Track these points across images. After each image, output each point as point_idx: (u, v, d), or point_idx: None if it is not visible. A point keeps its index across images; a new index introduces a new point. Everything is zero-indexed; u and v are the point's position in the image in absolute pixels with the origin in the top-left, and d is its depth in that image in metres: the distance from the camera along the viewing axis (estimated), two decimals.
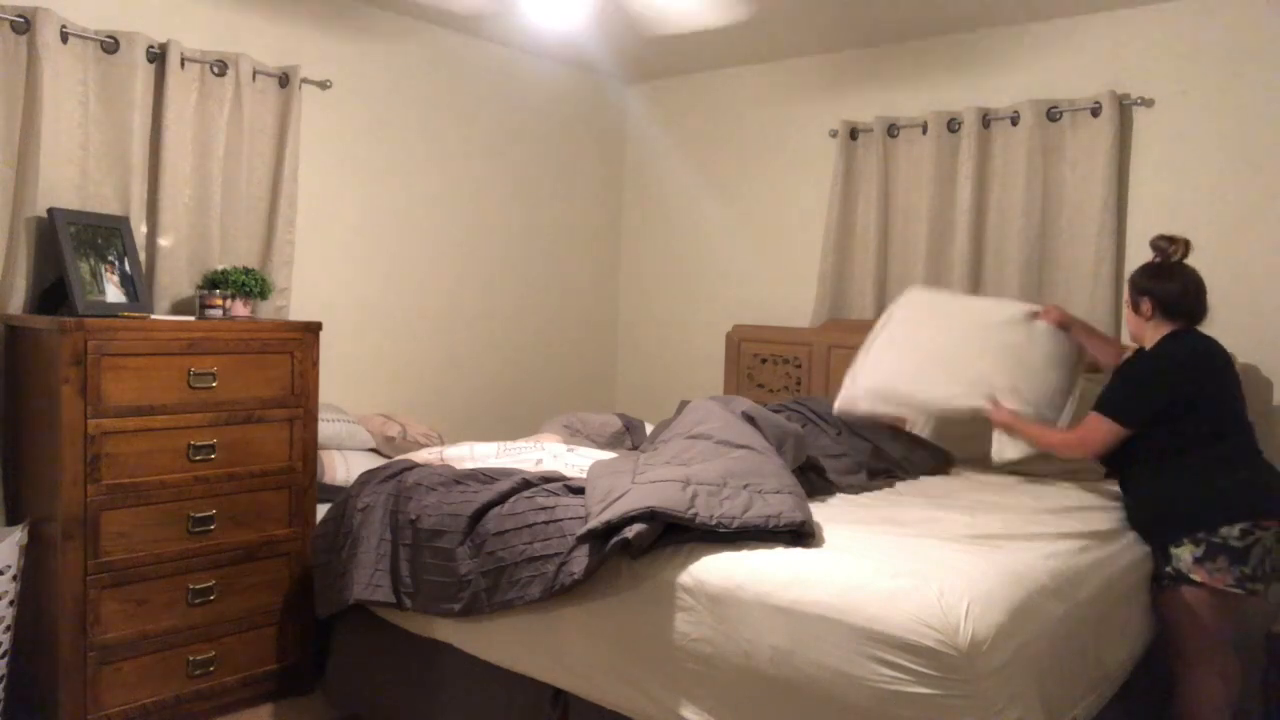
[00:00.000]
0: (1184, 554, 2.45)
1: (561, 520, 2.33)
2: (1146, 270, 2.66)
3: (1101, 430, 2.57)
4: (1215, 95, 3.29)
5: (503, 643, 2.45)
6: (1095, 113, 3.46)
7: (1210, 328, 3.26)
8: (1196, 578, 2.43)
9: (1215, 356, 2.56)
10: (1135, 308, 2.65)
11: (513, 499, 2.48)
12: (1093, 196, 3.48)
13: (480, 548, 2.44)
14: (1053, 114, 3.57)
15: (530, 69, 4.46)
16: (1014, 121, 3.64)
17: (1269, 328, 3.19)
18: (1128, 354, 2.75)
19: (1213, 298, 3.27)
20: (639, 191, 4.95)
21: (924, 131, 3.88)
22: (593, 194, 4.86)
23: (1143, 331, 2.64)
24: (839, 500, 2.77)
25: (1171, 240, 2.66)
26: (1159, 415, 2.51)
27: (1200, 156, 3.33)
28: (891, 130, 3.98)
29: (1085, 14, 3.54)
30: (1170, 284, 2.60)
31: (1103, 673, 2.26)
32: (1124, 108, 3.45)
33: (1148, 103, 3.42)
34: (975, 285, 3.76)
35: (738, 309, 4.53)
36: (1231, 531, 2.41)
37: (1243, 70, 3.24)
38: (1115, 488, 2.78)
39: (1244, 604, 2.49)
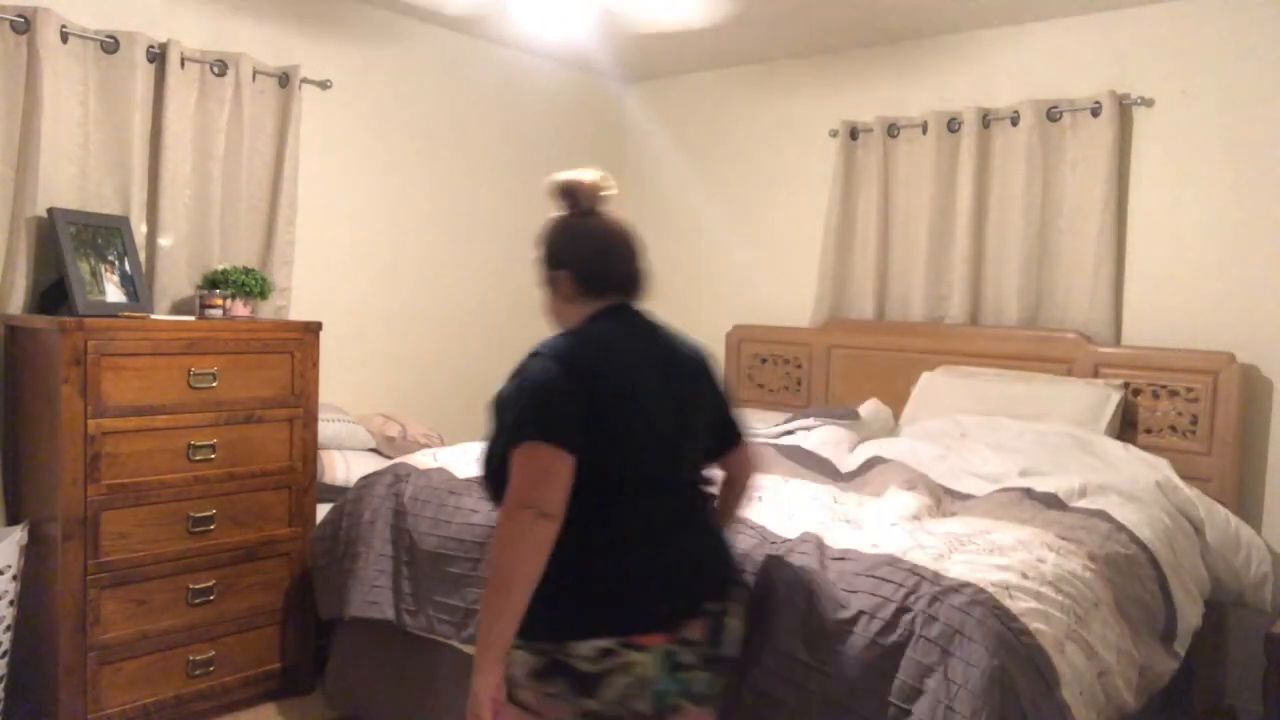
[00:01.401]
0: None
1: None
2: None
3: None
4: (1215, 95, 3.29)
5: None
6: (1095, 113, 3.46)
7: (1210, 326, 3.29)
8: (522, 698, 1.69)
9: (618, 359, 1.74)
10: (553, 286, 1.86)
11: None
12: (1093, 196, 3.48)
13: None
14: (1053, 114, 3.56)
15: (530, 69, 4.46)
16: (1014, 121, 3.64)
17: (1269, 328, 3.19)
18: None
19: (1213, 297, 3.30)
20: (639, 191, 4.95)
21: (924, 131, 3.87)
22: None
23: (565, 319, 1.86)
24: None
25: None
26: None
27: (1200, 156, 3.33)
28: (891, 130, 3.98)
29: (1085, 14, 3.53)
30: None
31: None
32: (1124, 108, 3.45)
33: (1148, 103, 3.42)
34: (975, 285, 3.76)
35: (738, 309, 4.53)
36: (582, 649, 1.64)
37: (1243, 70, 3.24)
38: None
39: None
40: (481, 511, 2.53)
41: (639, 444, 1.72)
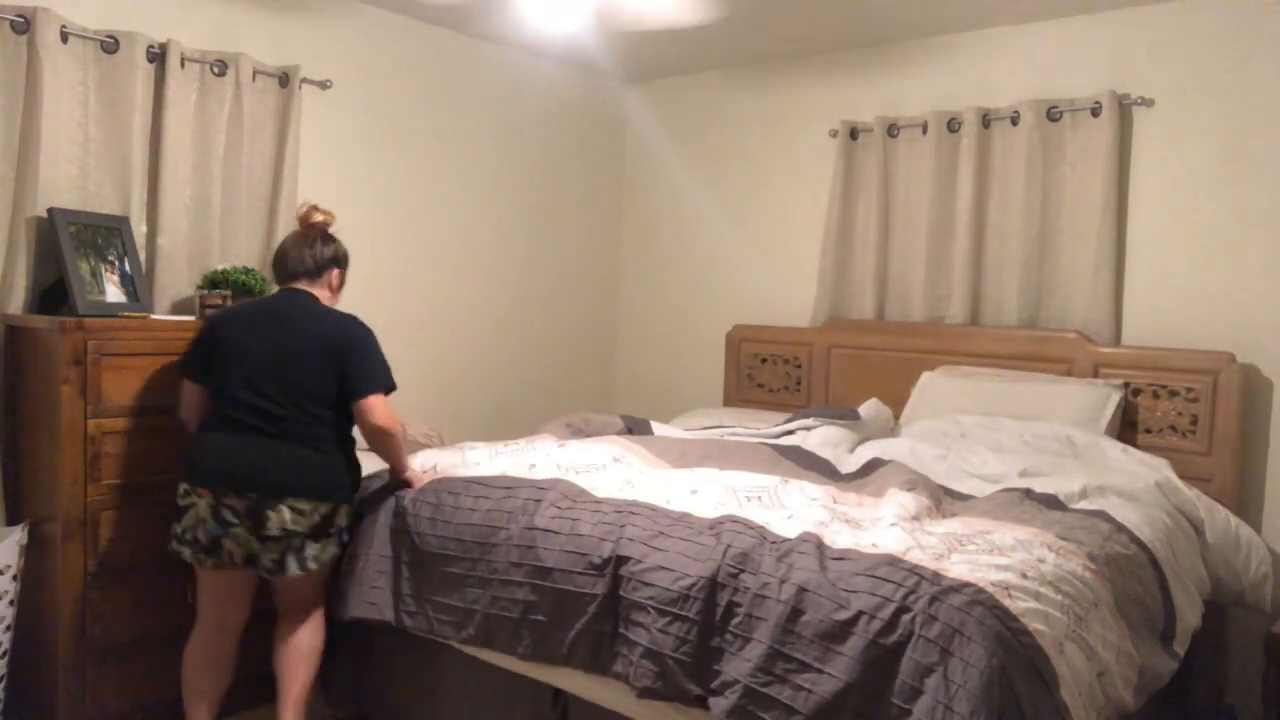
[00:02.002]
0: None
1: (555, 570, 2.33)
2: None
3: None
4: (1215, 95, 3.29)
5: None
6: (1095, 113, 3.46)
7: (1210, 326, 3.29)
8: None
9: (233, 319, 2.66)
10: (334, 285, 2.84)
11: (519, 526, 2.44)
12: (1093, 196, 3.48)
13: (488, 584, 2.44)
14: (1053, 114, 3.56)
15: (530, 69, 4.46)
16: (1014, 121, 3.64)
17: (1269, 328, 3.19)
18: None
19: (1213, 297, 3.30)
20: (639, 191, 4.96)
21: (924, 131, 3.88)
22: (593, 194, 4.86)
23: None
24: None
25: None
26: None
27: (1200, 156, 3.33)
28: (891, 130, 3.98)
29: (1085, 14, 3.53)
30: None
31: None
32: (1124, 108, 3.45)
33: (1148, 103, 3.42)
34: (975, 285, 3.76)
35: (738, 309, 4.53)
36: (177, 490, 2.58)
37: (1243, 70, 3.24)
38: None
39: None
40: (480, 511, 2.53)
41: (231, 373, 2.53)
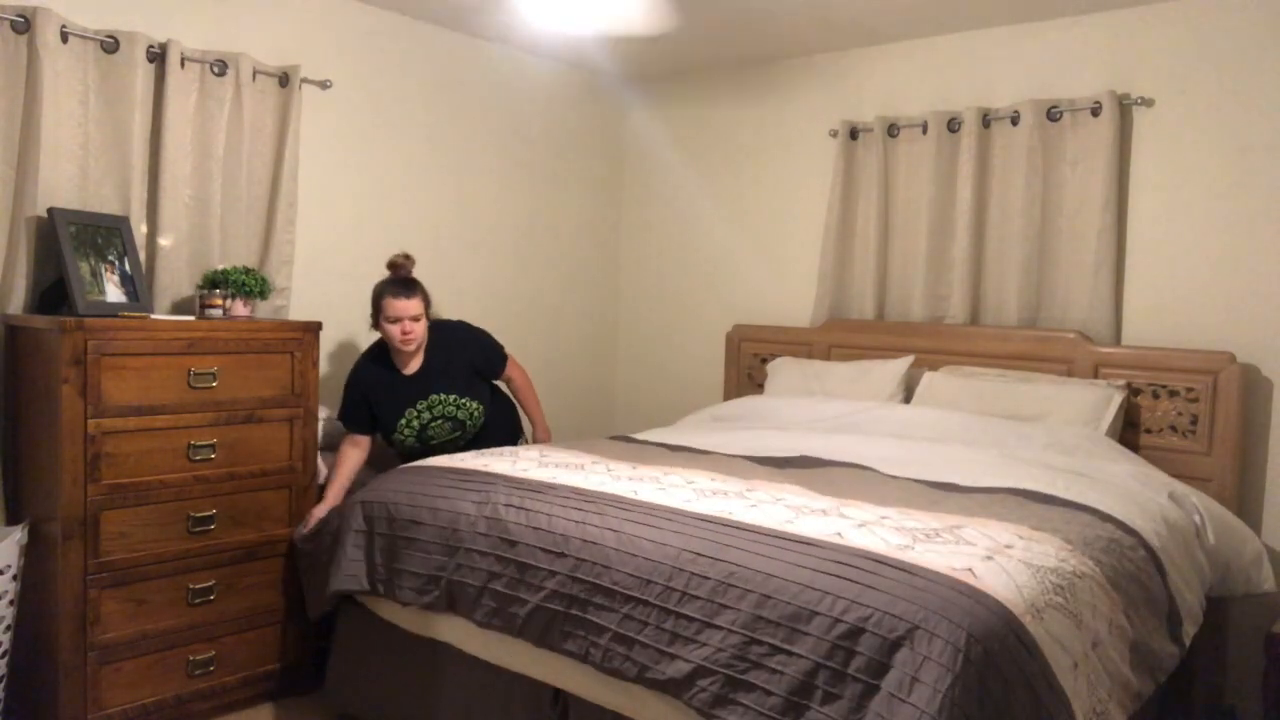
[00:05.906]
0: None
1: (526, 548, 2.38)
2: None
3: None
4: (1215, 95, 3.29)
5: (502, 643, 2.45)
6: (1095, 113, 3.46)
7: (1210, 326, 3.29)
8: None
9: None
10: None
11: (489, 509, 2.54)
12: (1093, 196, 3.48)
13: (454, 553, 2.53)
14: (1053, 114, 3.56)
15: (530, 69, 4.46)
16: (1014, 121, 3.64)
17: (1269, 328, 3.19)
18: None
19: (1213, 297, 3.31)
20: (639, 191, 4.95)
21: (924, 131, 3.87)
22: (593, 194, 4.86)
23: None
24: None
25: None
26: None
27: (1200, 156, 3.33)
28: (891, 130, 3.97)
29: (1085, 14, 3.53)
30: None
31: None
32: (1124, 108, 3.45)
33: (1148, 103, 3.42)
34: (975, 285, 3.76)
35: (738, 309, 4.53)
36: None
37: (1243, 70, 3.24)
38: None
39: None
40: (449, 498, 2.65)
41: None
